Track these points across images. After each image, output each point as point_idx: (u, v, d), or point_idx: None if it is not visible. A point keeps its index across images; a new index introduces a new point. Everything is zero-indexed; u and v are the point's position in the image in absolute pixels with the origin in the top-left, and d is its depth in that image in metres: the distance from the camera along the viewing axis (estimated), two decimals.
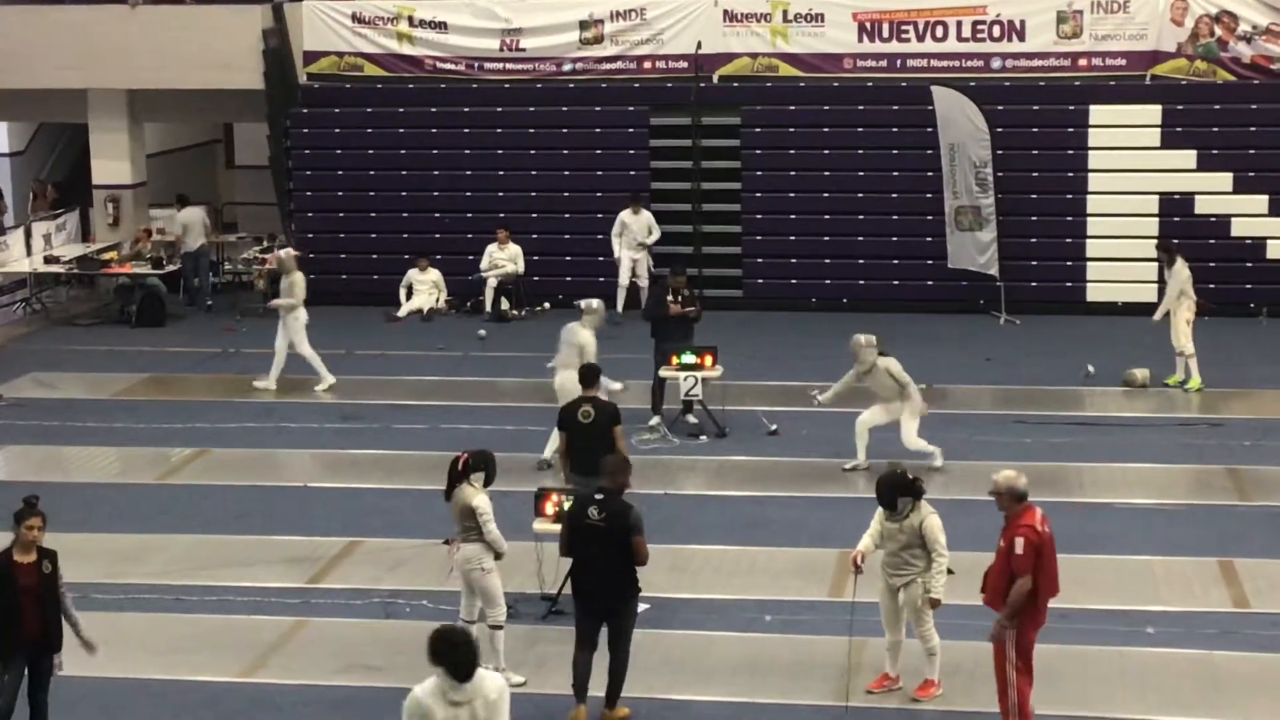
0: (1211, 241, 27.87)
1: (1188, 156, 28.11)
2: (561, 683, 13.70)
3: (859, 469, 19.64)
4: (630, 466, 13.63)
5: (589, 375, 17.07)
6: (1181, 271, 23.24)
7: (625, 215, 28.29)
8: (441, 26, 30.12)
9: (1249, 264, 27.84)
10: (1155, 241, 25.68)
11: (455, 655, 9.20)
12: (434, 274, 29.41)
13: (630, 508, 13.15)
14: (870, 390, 19.62)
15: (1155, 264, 27.99)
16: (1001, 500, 12.64)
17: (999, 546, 12.64)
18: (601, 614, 13.17)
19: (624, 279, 28.30)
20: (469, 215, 29.78)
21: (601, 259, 28.99)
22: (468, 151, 29.85)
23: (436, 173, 29.95)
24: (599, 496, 13.23)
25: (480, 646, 13.82)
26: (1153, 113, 28.20)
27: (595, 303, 20.30)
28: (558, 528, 15.17)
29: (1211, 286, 27.58)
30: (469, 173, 29.87)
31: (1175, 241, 24.62)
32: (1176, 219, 28.05)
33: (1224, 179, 28.02)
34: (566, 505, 14.90)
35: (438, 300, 29.39)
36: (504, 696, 9.31)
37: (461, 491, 13.99)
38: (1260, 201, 27.96)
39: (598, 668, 13.24)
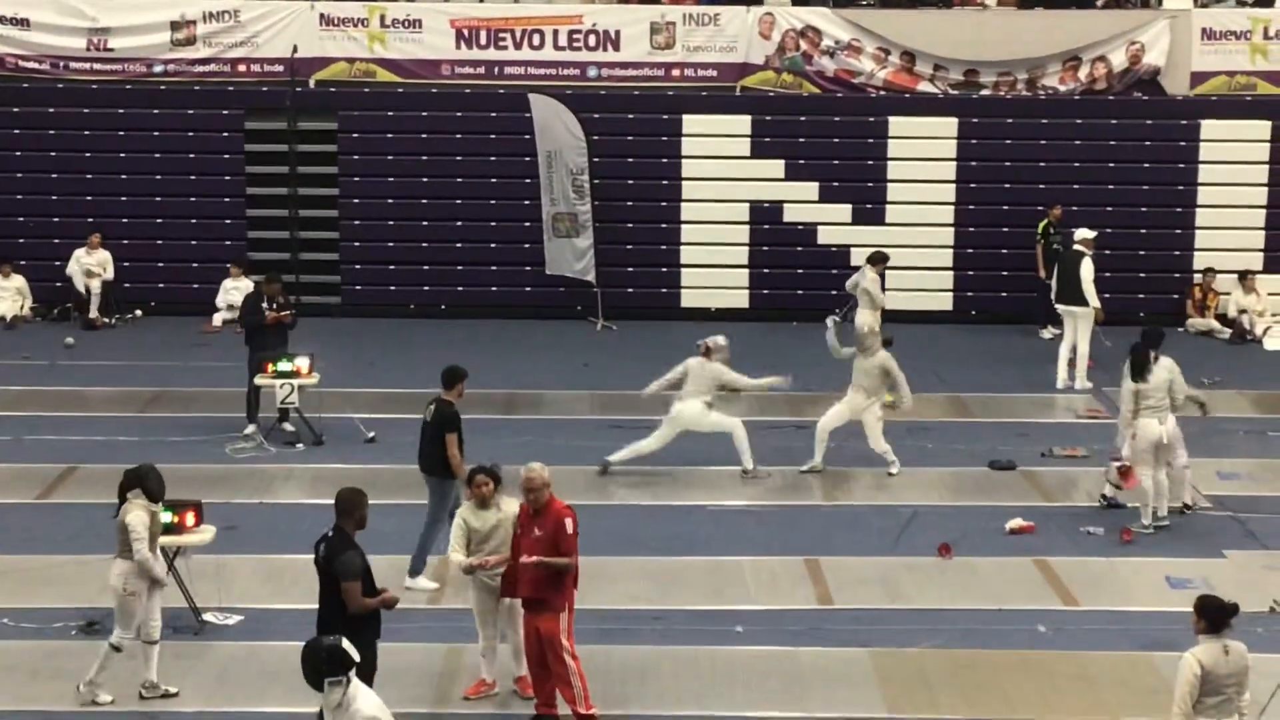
0: (799, 249, 28.84)
1: (776, 166, 28.97)
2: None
3: (815, 471, 19.90)
4: (365, 497, 12.60)
5: (447, 376, 16.67)
6: (862, 281, 24.05)
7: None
8: (24, 24, 29.05)
9: (834, 270, 28.73)
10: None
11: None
12: (18, 280, 28.38)
13: (346, 550, 12.25)
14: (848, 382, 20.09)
15: (746, 270, 28.93)
16: (537, 491, 13.07)
17: (533, 536, 13.00)
18: None
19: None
20: (55, 219, 28.81)
21: (195, 265, 28.50)
22: (53, 153, 28.88)
23: (20, 175, 28.89)
24: (329, 534, 12.48)
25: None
26: (743, 123, 28.99)
27: (721, 339, 20.18)
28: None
29: (799, 292, 28.62)
30: (54, 175, 28.89)
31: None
32: (766, 227, 28.90)
33: (810, 188, 28.97)
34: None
35: (22, 307, 28.36)
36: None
37: (124, 509, 13.63)
38: (844, 210, 28.97)
39: None
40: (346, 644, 10.25)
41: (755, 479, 19.79)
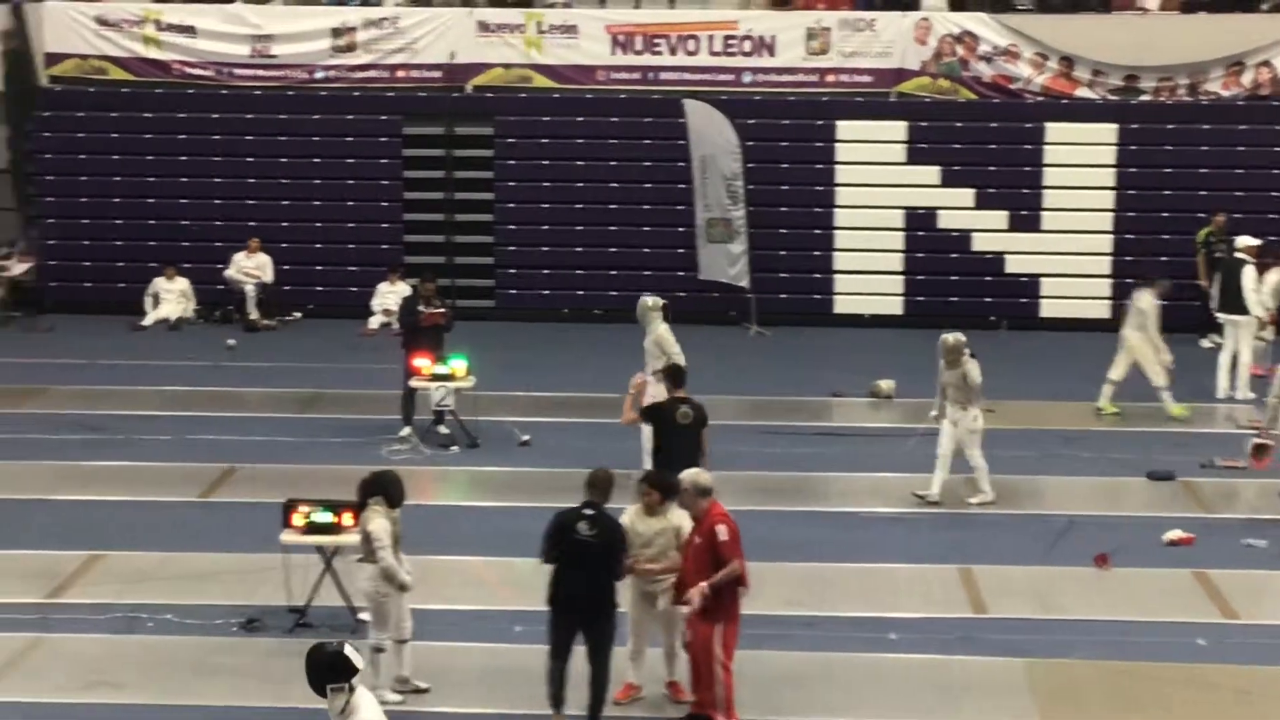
0: (954, 256, 28.62)
1: (931, 172, 28.78)
2: (307, 695, 13.57)
3: (935, 503, 19.12)
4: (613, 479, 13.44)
5: (680, 374, 17.33)
6: (1138, 302, 22.90)
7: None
8: (190, 31, 29.62)
9: (989, 278, 28.57)
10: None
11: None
12: (182, 282, 28.91)
13: (620, 525, 13.13)
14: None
15: (900, 277, 28.77)
16: (685, 497, 13.22)
17: (694, 544, 13.08)
18: (580, 626, 13.08)
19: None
20: (218, 223, 29.32)
21: (354, 268, 28.87)
22: (217, 158, 29.39)
23: (185, 179, 29.42)
24: (589, 512, 13.02)
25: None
26: (898, 129, 28.82)
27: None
28: (306, 539, 15.05)
29: (954, 299, 28.43)
30: (218, 180, 29.40)
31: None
32: (921, 233, 28.72)
33: (966, 195, 28.74)
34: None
35: (186, 309, 28.90)
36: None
37: (363, 516, 13.89)
38: (1000, 217, 28.72)
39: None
40: (349, 651, 10.26)
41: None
